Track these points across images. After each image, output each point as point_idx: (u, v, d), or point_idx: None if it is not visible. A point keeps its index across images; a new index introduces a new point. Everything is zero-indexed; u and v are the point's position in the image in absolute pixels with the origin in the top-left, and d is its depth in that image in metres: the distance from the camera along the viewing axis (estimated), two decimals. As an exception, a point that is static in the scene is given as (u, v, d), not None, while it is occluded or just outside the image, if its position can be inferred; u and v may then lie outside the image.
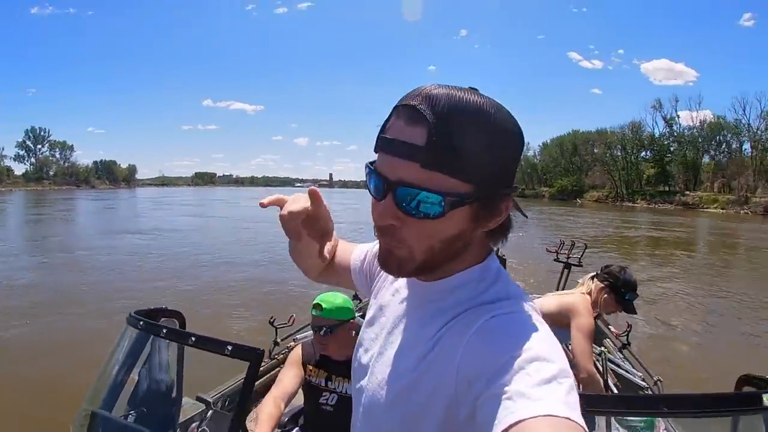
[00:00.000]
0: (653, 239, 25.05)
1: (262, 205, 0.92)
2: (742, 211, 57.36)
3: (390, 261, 0.77)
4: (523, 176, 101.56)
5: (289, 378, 2.47)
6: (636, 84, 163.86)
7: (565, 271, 5.44)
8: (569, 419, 0.54)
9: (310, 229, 0.92)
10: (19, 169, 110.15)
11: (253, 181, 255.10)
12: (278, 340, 3.84)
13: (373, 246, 1.11)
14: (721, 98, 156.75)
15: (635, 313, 2.94)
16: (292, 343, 3.79)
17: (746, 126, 71.25)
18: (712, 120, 75.06)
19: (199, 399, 2.41)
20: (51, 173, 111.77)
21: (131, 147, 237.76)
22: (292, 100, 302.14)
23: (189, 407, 2.37)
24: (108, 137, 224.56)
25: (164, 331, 1.79)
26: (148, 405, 2.02)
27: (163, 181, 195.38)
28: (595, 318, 3.92)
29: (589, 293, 2.96)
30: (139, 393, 2.00)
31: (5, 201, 52.98)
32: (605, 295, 2.93)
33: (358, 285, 1.15)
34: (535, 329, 0.69)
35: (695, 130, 76.78)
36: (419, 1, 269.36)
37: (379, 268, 0.99)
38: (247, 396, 1.59)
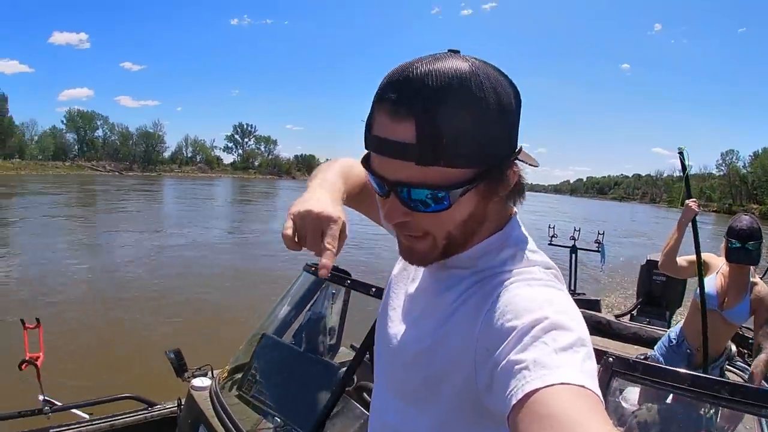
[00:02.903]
0: None
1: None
2: None
3: (413, 256, 0.77)
4: (731, 190, 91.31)
5: None
6: None
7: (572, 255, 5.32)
8: (584, 387, 0.54)
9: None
10: (226, 158, 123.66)
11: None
12: None
13: None
14: None
15: (739, 262, 2.79)
16: None
17: None
18: None
19: (353, 347, 2.79)
20: (256, 164, 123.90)
21: (326, 143, 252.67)
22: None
23: (343, 354, 2.73)
24: (305, 134, 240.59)
25: (330, 274, 2.22)
26: (310, 342, 2.42)
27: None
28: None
29: None
30: (304, 331, 2.40)
31: (217, 185, 60.61)
32: (723, 244, 2.93)
33: (380, 222, 1.07)
34: (554, 297, 0.68)
35: None
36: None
37: None
38: (372, 333, 1.90)
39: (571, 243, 5.90)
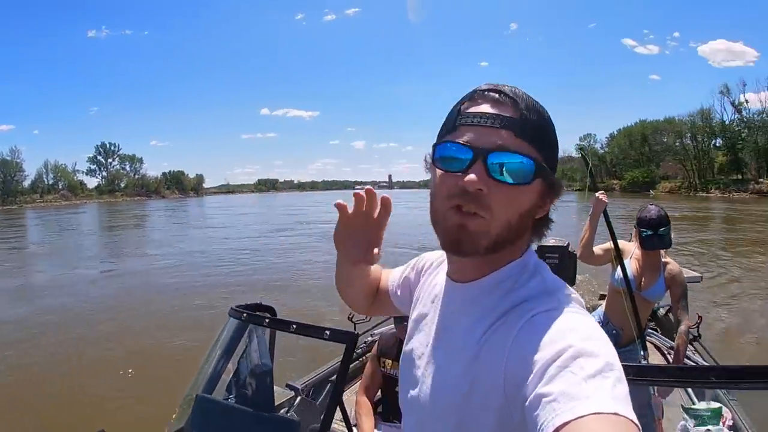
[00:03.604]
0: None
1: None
2: (824, 197, 55.13)
3: (463, 236, 0.76)
4: (592, 169, 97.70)
5: (372, 371, 2.71)
6: (695, 67, 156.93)
7: None
8: (616, 414, 0.54)
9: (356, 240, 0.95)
10: (91, 182, 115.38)
11: (314, 186, 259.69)
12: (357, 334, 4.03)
13: (409, 264, 1.13)
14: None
15: (654, 248, 3.12)
16: (369, 338, 4.01)
17: (821, 106, 68.01)
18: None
19: (288, 386, 2.60)
20: (122, 185, 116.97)
21: (195, 157, 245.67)
22: (347, 104, 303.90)
23: (279, 394, 2.54)
24: (171, 149, 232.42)
25: (266, 320, 1.99)
26: (245, 391, 2.20)
27: (228, 189, 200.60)
28: (667, 312, 4.46)
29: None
30: (237, 380, 2.18)
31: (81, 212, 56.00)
32: (634, 233, 3.21)
33: (400, 305, 1.15)
34: (577, 324, 0.69)
35: (765, 115, 73.13)
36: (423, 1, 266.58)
37: (417, 281, 1.07)
38: (344, 373, 1.74)
39: None
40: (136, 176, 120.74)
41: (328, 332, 1.75)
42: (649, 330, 4.32)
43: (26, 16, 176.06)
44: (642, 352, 3.12)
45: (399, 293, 1.13)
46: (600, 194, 3.02)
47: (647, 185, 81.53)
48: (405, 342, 0.98)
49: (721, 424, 2.64)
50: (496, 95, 0.76)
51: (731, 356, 5.63)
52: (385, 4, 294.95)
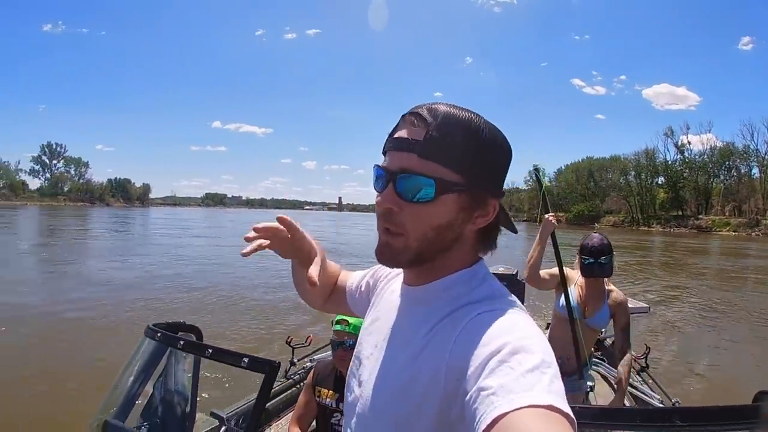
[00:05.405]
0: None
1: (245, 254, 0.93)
2: (753, 233, 60.51)
3: (386, 252, 0.83)
4: (539, 201, 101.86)
5: (306, 401, 2.54)
6: (639, 109, 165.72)
7: None
8: (551, 406, 0.55)
9: (297, 254, 1.05)
10: (33, 183, 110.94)
11: (263, 203, 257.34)
12: (295, 360, 3.83)
13: (370, 270, 1.17)
14: (725, 121, 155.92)
15: (594, 276, 3.05)
16: (308, 363, 3.80)
17: (754, 151, 74.33)
18: (718, 144, 78.89)
19: (213, 415, 2.39)
20: (66, 189, 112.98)
21: (140, 165, 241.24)
22: (301, 123, 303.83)
23: (203, 423, 2.35)
24: (117, 155, 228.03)
25: (181, 342, 1.80)
26: (162, 418, 1.99)
27: (174, 201, 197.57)
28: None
29: None
30: (153, 405, 1.98)
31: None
32: (577, 260, 3.16)
33: (355, 309, 1.20)
34: (518, 323, 0.72)
35: (705, 156, 79.74)
36: (384, 12, 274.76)
37: (375, 288, 1.10)
38: (261, 408, 1.58)
39: None
40: (81, 180, 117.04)
41: (246, 360, 1.58)
42: (597, 359, 4.23)
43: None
44: (588, 382, 3.06)
45: (357, 296, 1.17)
46: (550, 216, 2.94)
47: (592, 218, 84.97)
48: (358, 343, 0.99)
49: None
50: (414, 119, 0.79)
51: (678, 386, 5.64)
52: (344, 27, 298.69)
